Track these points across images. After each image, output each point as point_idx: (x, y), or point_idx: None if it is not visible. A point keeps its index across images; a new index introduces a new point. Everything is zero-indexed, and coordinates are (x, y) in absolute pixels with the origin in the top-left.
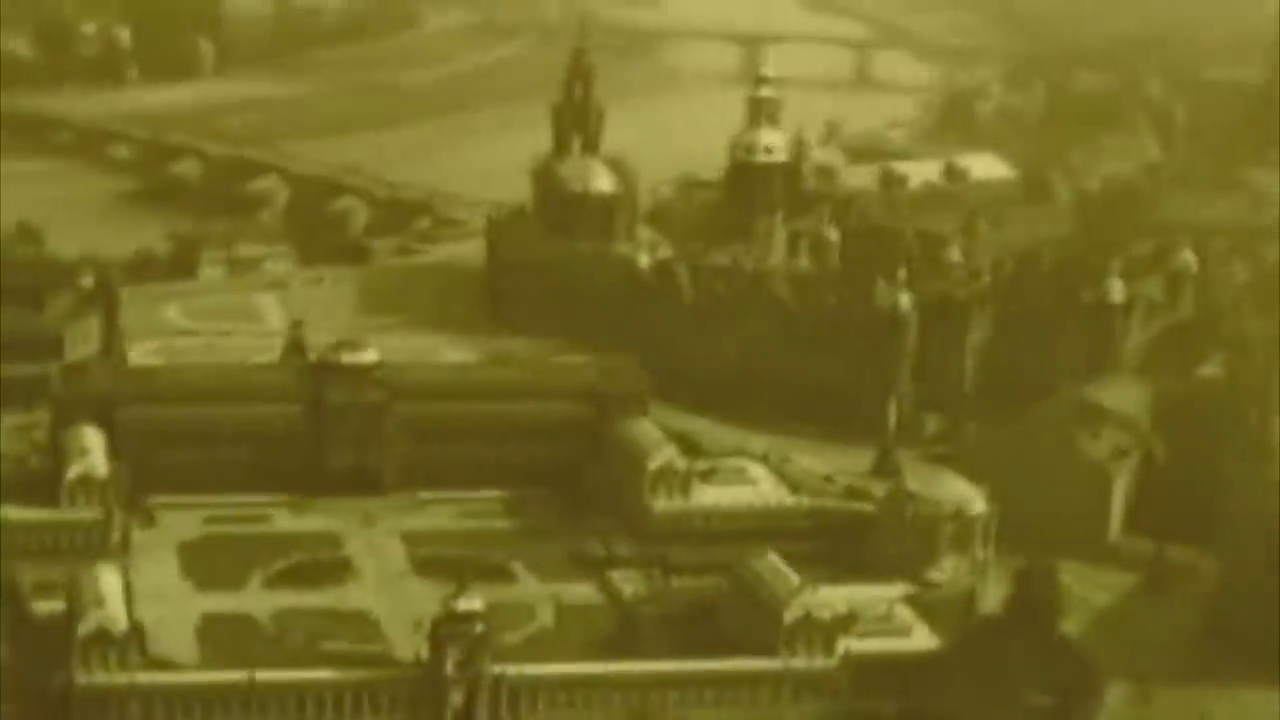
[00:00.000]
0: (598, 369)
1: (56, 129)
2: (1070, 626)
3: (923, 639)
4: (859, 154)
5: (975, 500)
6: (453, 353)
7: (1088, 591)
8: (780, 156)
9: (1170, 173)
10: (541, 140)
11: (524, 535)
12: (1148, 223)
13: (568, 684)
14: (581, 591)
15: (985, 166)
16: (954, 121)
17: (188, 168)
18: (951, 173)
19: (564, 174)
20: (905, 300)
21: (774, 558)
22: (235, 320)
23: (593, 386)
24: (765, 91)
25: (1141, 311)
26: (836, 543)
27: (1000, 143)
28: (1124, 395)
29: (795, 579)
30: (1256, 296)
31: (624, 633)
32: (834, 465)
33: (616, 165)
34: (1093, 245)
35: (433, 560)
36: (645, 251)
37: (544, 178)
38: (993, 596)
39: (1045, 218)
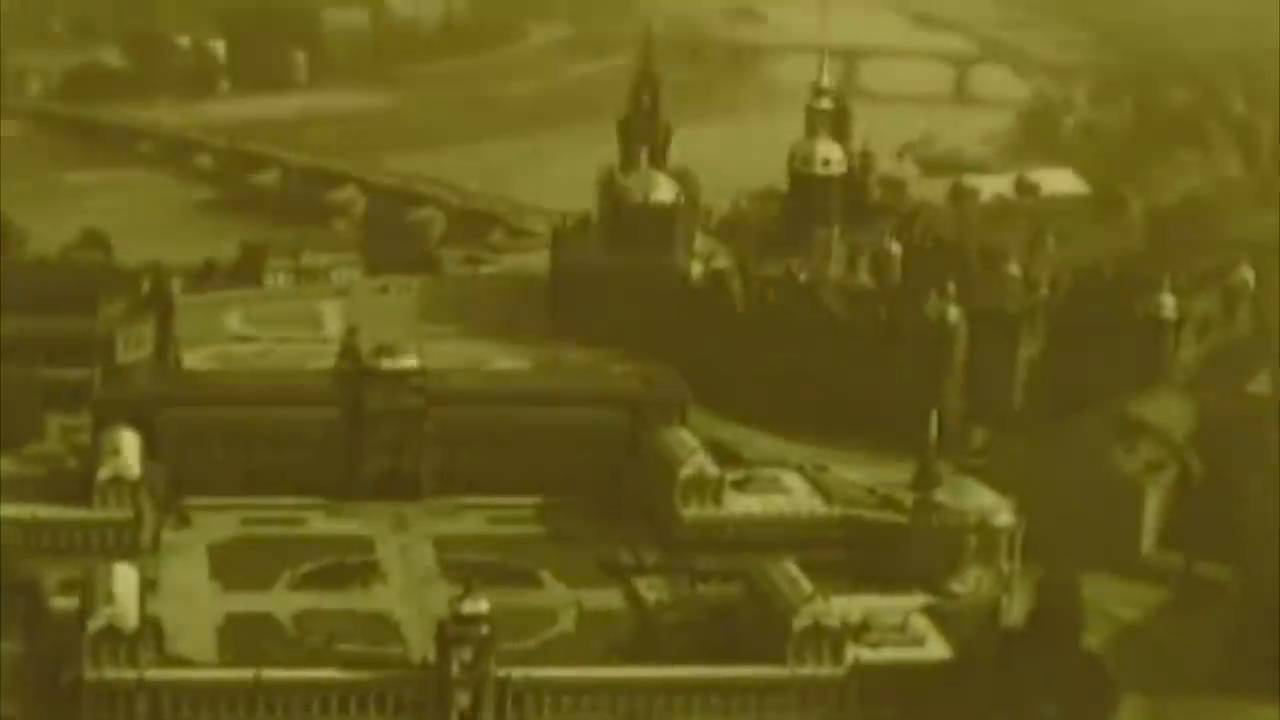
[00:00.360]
0: (637, 377)
1: (141, 139)
2: (1093, 640)
3: (936, 649)
4: (934, 167)
5: (1001, 512)
6: (507, 361)
7: (1115, 606)
8: (838, 168)
9: (1248, 189)
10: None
11: (555, 542)
12: (1217, 239)
13: (572, 688)
14: (605, 598)
15: (1058, 181)
16: (1038, 136)
17: (268, 178)
18: (1023, 187)
19: (624, 185)
20: (953, 313)
21: (790, 565)
22: (295, 327)
23: (631, 395)
24: (823, 103)
25: (1196, 327)
26: (868, 553)
27: (1083, 157)
28: (1167, 410)
29: (807, 587)
30: None
31: (643, 639)
32: (879, 477)
33: (681, 177)
34: (1158, 261)
35: (461, 565)
36: (700, 262)
37: (607, 188)
38: (1019, 608)
39: (1116, 233)
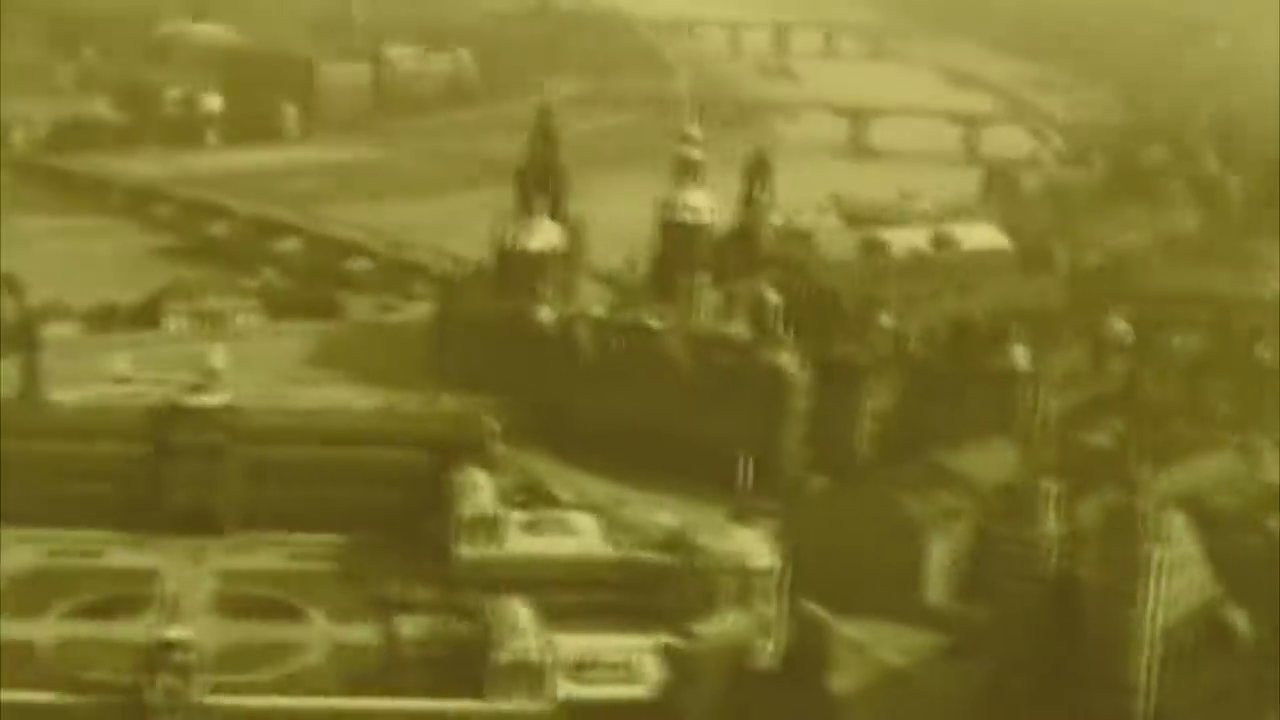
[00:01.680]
0: (444, 419)
1: (110, 189)
2: (850, 684)
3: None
4: (858, 221)
5: (760, 555)
6: (369, 405)
7: (887, 652)
8: (706, 217)
9: (1187, 246)
10: (611, 207)
11: (339, 578)
12: (1137, 293)
13: (271, 716)
14: (364, 633)
15: (979, 236)
16: (997, 193)
17: (220, 227)
18: (940, 242)
19: (503, 232)
20: (789, 362)
21: (517, 602)
22: (178, 370)
23: (433, 436)
24: (692, 152)
25: (1060, 380)
26: (641, 594)
27: (1039, 215)
28: (992, 461)
29: (521, 623)
30: (1196, 367)
31: (385, 672)
32: (701, 521)
33: (571, 225)
34: (1069, 315)
35: (236, 599)
36: (555, 308)
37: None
38: None
39: (1035, 288)
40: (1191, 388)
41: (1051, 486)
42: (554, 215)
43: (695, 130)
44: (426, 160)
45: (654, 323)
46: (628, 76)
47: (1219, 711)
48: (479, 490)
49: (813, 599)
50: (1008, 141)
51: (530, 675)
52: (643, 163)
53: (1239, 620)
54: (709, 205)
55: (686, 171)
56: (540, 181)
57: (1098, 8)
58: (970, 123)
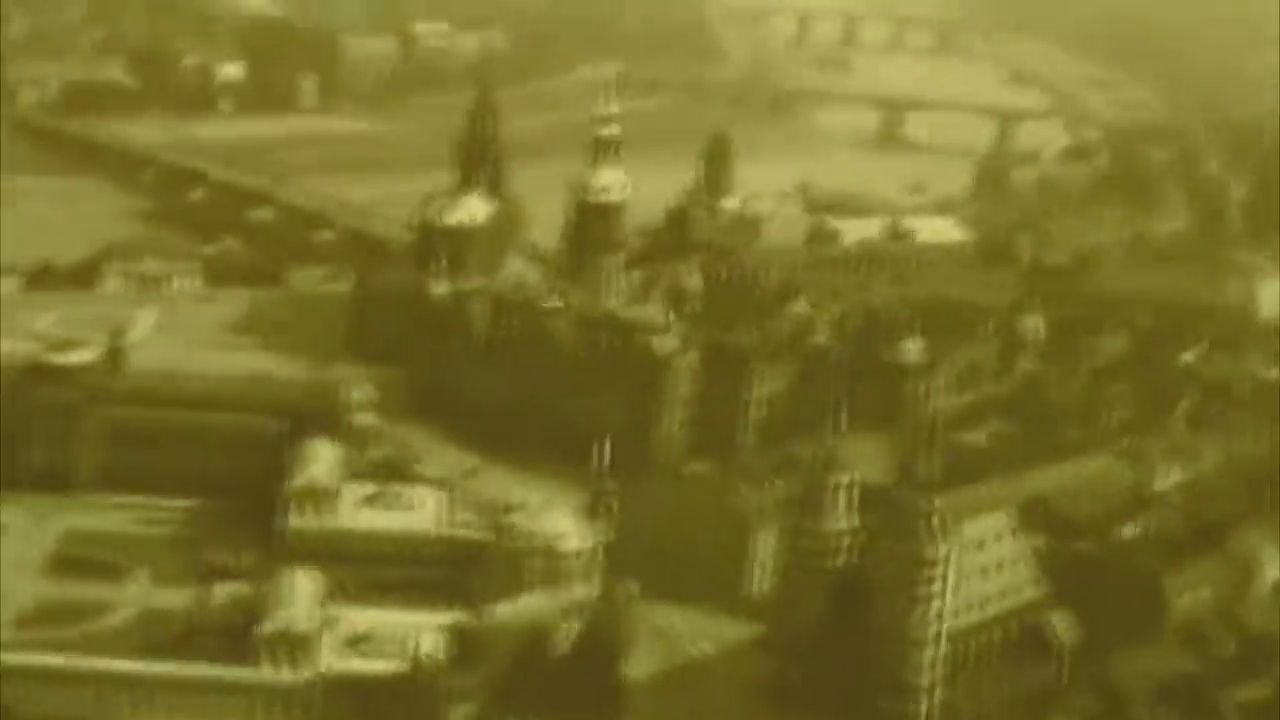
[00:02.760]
0: (305, 387)
1: (102, 152)
2: (647, 669)
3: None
4: (818, 210)
5: (571, 537)
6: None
7: (698, 640)
8: (617, 197)
9: (1158, 248)
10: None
11: (176, 543)
12: (1084, 293)
13: (42, 675)
14: (175, 598)
15: (936, 230)
16: (987, 189)
17: (199, 194)
18: (894, 233)
19: (426, 207)
20: (668, 345)
21: (308, 573)
22: (97, 331)
23: (292, 404)
24: (608, 131)
25: (959, 375)
26: (460, 571)
27: (1023, 210)
28: (860, 455)
29: (298, 593)
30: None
31: (184, 636)
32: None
33: (507, 202)
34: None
35: (68, 559)
36: (447, 283)
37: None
38: None
39: (982, 282)
40: (1094, 390)
41: (843, 480)
42: (494, 191)
43: (613, 108)
44: (440, 137)
45: (547, 302)
46: (672, 60)
47: (1020, 714)
48: (316, 461)
49: (642, 584)
50: (1044, 138)
51: (295, 645)
52: (659, 148)
53: (1059, 624)
54: (622, 184)
55: (602, 151)
56: (480, 157)
57: (1171, 7)
58: (1008, 118)
